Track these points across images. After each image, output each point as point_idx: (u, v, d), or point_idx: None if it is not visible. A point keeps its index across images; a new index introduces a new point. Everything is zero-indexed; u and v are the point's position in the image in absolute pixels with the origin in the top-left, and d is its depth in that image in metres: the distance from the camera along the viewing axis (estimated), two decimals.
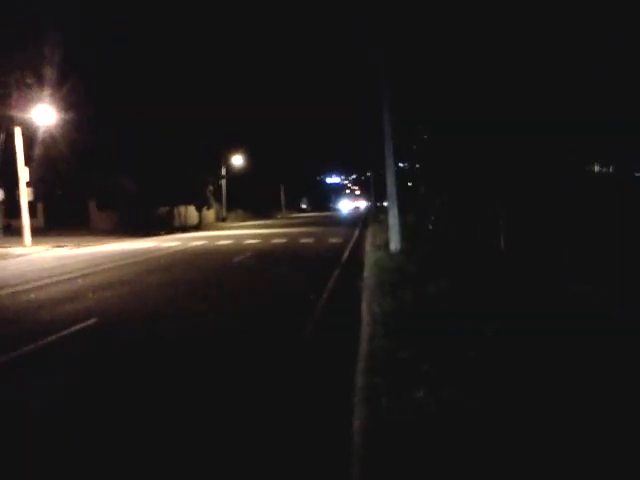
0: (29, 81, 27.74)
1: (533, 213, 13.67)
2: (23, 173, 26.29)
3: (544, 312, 6.52)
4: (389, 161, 15.13)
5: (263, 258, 17.80)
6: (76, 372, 6.14)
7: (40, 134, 29.32)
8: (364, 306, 8.03)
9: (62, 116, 28.49)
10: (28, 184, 26.74)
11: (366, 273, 11.58)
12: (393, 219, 14.85)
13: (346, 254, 17.20)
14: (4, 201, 29.52)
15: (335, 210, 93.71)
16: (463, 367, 4.78)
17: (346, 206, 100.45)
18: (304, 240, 24.09)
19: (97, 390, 5.49)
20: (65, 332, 7.78)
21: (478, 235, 13.66)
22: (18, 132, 26.17)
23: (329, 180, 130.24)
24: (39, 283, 13.04)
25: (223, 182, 54.90)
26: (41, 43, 28.43)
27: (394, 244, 14.68)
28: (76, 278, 13.61)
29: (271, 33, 63.40)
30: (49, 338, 7.45)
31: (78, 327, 8.08)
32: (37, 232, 29.01)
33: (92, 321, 8.45)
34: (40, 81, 28.55)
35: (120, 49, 34.04)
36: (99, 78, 32.12)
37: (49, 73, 29.41)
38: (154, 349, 6.94)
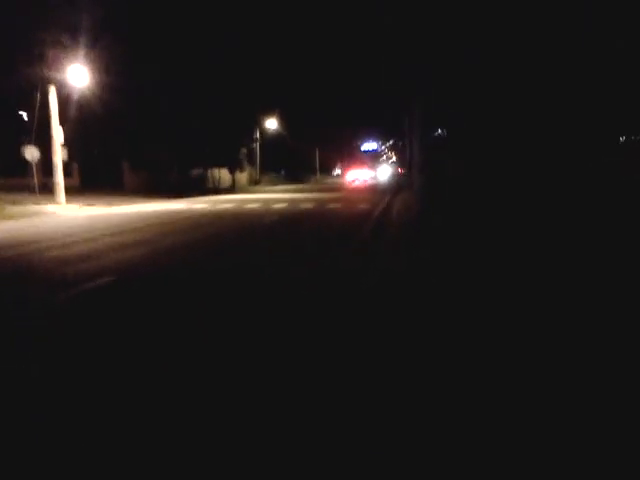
0: (64, 40, 27.79)
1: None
2: (57, 133, 26.63)
3: None
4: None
5: (291, 220, 17.92)
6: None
7: (75, 94, 29.57)
8: None
9: (96, 77, 28.66)
10: (63, 144, 27.11)
11: None
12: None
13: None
14: (41, 160, 29.99)
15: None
16: None
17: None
18: (332, 205, 24.17)
19: None
20: (85, 286, 7.98)
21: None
22: (53, 91, 26.39)
23: (366, 146, 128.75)
24: (68, 240, 13.33)
25: (256, 145, 54.88)
26: (77, 1, 28.42)
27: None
28: (103, 236, 13.87)
29: None
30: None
31: (96, 283, 8.26)
32: (72, 191, 29.53)
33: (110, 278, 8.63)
34: (76, 41, 28.61)
35: (153, 10, 33.89)
36: (133, 39, 32.10)
37: (85, 33, 29.44)
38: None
